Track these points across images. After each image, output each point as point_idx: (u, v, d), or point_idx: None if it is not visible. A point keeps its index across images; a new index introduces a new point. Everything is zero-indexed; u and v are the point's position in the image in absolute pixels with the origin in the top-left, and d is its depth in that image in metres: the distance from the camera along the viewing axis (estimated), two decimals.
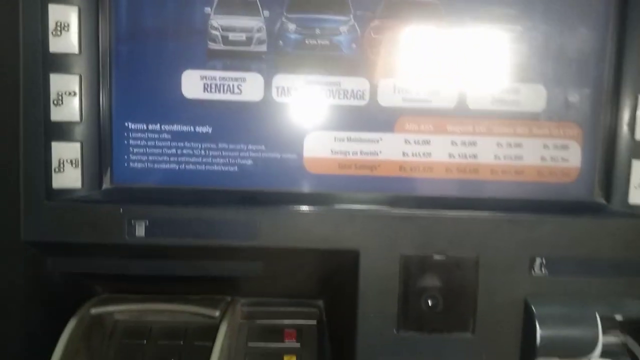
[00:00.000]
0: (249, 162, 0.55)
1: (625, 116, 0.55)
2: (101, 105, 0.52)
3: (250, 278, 0.62)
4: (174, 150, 0.54)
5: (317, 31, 0.53)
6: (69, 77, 0.50)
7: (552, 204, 0.56)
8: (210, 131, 0.54)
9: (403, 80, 0.54)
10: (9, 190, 0.51)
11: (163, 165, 0.54)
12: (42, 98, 0.50)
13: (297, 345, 0.66)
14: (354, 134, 0.55)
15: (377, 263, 0.53)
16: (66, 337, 0.54)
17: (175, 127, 0.54)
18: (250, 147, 0.54)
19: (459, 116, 0.55)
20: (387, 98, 0.54)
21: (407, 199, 0.55)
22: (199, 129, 0.54)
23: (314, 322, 0.69)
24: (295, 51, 0.54)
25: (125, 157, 0.54)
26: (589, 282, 0.54)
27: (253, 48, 0.53)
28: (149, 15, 0.53)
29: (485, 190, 0.56)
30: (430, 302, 0.55)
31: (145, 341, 0.65)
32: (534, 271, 0.54)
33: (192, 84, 0.53)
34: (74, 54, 0.51)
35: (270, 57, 0.54)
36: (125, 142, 0.54)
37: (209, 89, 0.53)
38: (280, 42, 0.53)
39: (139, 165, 0.54)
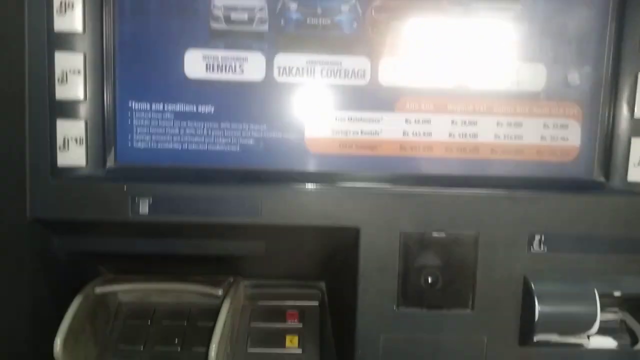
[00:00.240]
0: (251, 141, 0.55)
1: (625, 95, 0.55)
2: (105, 84, 0.53)
3: (252, 258, 0.63)
4: (177, 130, 0.55)
5: (319, 10, 0.54)
6: (73, 56, 0.51)
7: (551, 182, 0.56)
8: (212, 111, 0.55)
9: (404, 59, 0.55)
10: (15, 169, 0.51)
11: (166, 145, 0.55)
12: (47, 76, 0.51)
13: (299, 325, 0.67)
14: (354, 114, 0.55)
15: (378, 240, 0.54)
16: (71, 313, 0.55)
17: (179, 107, 0.55)
18: (252, 126, 0.55)
19: (460, 96, 0.56)
20: (388, 77, 0.55)
21: (407, 177, 0.55)
22: (202, 108, 0.55)
23: (315, 303, 0.70)
24: (296, 30, 0.54)
25: (129, 137, 0.55)
26: (588, 259, 0.55)
27: (255, 27, 0.54)
28: None
29: (485, 169, 0.56)
30: (429, 279, 0.55)
31: (149, 322, 0.66)
32: (533, 248, 0.55)
33: (195, 63, 0.54)
34: (78, 33, 0.51)
35: (272, 37, 0.54)
36: (129, 122, 0.55)
37: (211, 69, 0.54)
38: (282, 21, 0.54)
39: (143, 145, 0.55)
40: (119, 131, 0.54)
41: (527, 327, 0.55)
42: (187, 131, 0.55)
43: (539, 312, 0.53)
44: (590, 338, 0.56)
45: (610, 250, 0.55)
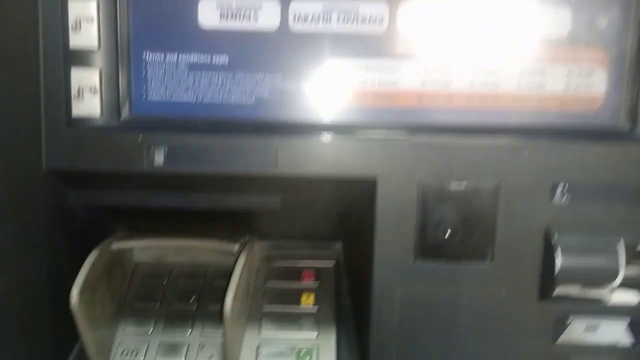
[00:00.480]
0: (266, 93, 0.54)
1: None
2: (119, 33, 0.52)
3: (268, 218, 0.62)
4: (191, 82, 0.54)
5: None
6: (87, 3, 0.50)
7: (575, 131, 0.54)
8: (227, 61, 0.54)
9: (423, 5, 0.53)
10: (31, 119, 0.51)
11: (181, 97, 0.54)
12: (60, 24, 0.50)
13: (315, 285, 0.67)
14: (372, 62, 0.54)
15: (395, 192, 0.53)
16: (88, 267, 0.55)
17: (193, 58, 0.54)
18: (267, 77, 0.54)
19: (480, 42, 0.54)
20: (407, 24, 0.53)
21: (426, 127, 0.54)
22: (216, 59, 0.54)
23: (331, 263, 0.69)
24: None
25: (144, 88, 0.54)
26: (612, 210, 0.53)
27: None
28: None
29: (507, 119, 0.54)
30: (448, 231, 0.54)
31: (165, 281, 0.66)
32: (556, 199, 0.53)
33: (209, 11, 0.53)
34: None
35: None
36: (143, 73, 0.54)
37: (225, 17, 0.53)
38: None
39: (157, 97, 0.54)
40: (134, 82, 0.53)
41: (547, 280, 0.54)
42: (202, 83, 0.54)
43: (561, 263, 0.52)
44: (613, 293, 0.55)
45: (635, 200, 0.53)
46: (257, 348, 0.59)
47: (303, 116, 0.55)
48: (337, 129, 0.54)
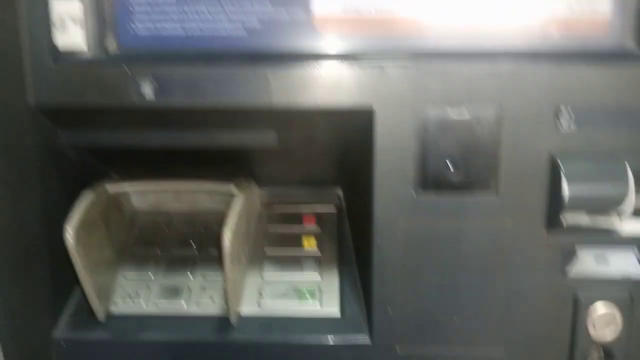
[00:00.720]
0: (257, 23, 0.52)
1: None
2: None
3: (267, 157, 0.61)
4: (179, 15, 0.52)
5: None
6: None
7: (580, 53, 0.52)
8: None
9: None
10: (15, 55, 0.50)
11: (169, 31, 0.53)
12: None
13: (317, 229, 0.65)
14: None
15: (393, 122, 0.51)
16: (82, 206, 0.53)
17: None
18: (256, 6, 0.52)
19: None
20: None
21: (424, 55, 0.52)
22: None
23: (333, 208, 0.68)
24: None
25: (131, 22, 0.52)
26: (619, 135, 0.51)
27: None
28: None
29: (509, 43, 0.52)
30: (450, 161, 0.52)
31: (165, 228, 0.65)
32: (561, 124, 0.51)
33: None
34: None
35: None
36: (130, 7, 0.52)
37: None
38: None
39: (145, 32, 0.52)
40: (120, 15, 0.52)
41: (554, 208, 0.52)
42: (190, 15, 0.52)
43: (567, 191, 0.50)
44: (623, 221, 0.53)
45: None
46: (260, 290, 0.58)
47: (295, 46, 0.53)
48: (331, 58, 0.52)
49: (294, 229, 0.65)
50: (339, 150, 0.60)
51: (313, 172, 0.67)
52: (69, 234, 0.50)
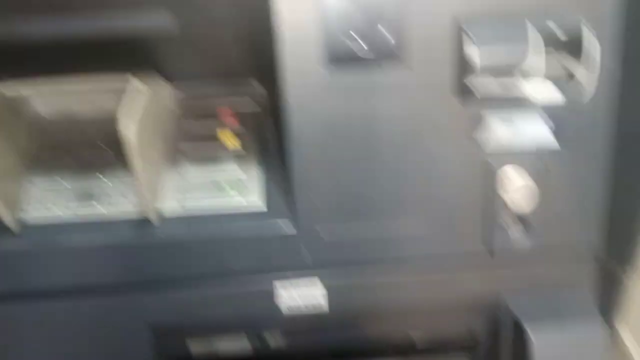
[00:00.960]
0: None
1: None
2: None
3: (171, 46, 0.56)
4: None
5: None
6: None
7: None
8: None
9: None
10: None
11: None
12: None
13: (236, 124, 0.63)
14: None
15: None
16: None
17: None
18: None
19: None
20: None
21: None
22: None
23: (252, 101, 0.65)
24: None
25: None
26: None
27: None
28: None
29: None
30: (355, 33, 0.50)
31: (72, 131, 0.60)
32: None
33: None
34: None
35: None
36: None
37: None
38: None
39: None
40: None
41: (462, 75, 0.52)
42: None
43: (473, 54, 0.49)
44: (532, 87, 0.54)
45: None
46: (180, 188, 0.56)
47: None
48: None
49: (212, 125, 0.62)
50: (248, 36, 0.57)
51: (227, 63, 0.64)
52: None
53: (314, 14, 0.49)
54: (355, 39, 0.49)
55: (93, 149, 0.59)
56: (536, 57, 0.50)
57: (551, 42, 0.51)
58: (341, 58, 0.50)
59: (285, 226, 0.55)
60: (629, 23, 0.52)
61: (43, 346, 0.58)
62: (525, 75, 0.51)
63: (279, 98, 0.54)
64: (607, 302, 0.60)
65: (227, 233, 0.54)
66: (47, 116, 0.60)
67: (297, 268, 0.57)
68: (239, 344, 0.63)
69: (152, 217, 0.52)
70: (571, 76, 0.54)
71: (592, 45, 0.52)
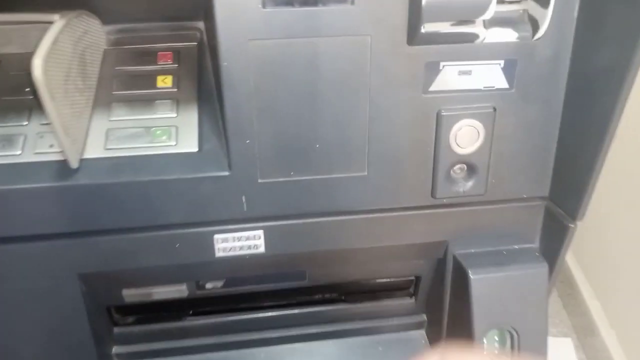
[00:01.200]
0: None
1: None
2: None
3: None
4: None
5: None
6: None
7: None
8: None
9: None
10: None
11: None
12: None
13: (174, 66, 0.59)
14: None
15: None
16: None
17: None
18: None
19: None
20: None
21: None
22: None
23: (193, 44, 0.61)
24: None
25: None
26: None
27: None
28: None
29: None
30: None
31: None
32: None
33: None
34: None
35: None
36: None
37: None
38: None
39: None
40: None
41: (414, 20, 0.48)
42: None
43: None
44: (488, 30, 0.51)
45: None
46: (107, 133, 0.52)
47: None
48: None
49: (148, 67, 0.58)
50: None
51: (166, 3, 0.59)
52: None
53: None
54: None
55: (16, 92, 0.54)
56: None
57: None
58: None
59: (218, 169, 0.52)
60: None
61: None
62: (481, 20, 0.47)
63: (211, 30, 0.50)
64: (553, 247, 0.60)
65: (155, 176, 0.51)
66: None
67: (231, 214, 0.54)
68: (176, 289, 0.61)
69: (72, 159, 0.49)
70: (526, 15, 0.51)
71: None
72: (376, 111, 0.52)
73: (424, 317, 0.73)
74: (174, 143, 0.53)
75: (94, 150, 0.52)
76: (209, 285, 0.61)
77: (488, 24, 0.50)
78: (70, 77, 0.49)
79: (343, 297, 0.71)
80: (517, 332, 0.60)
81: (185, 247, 0.55)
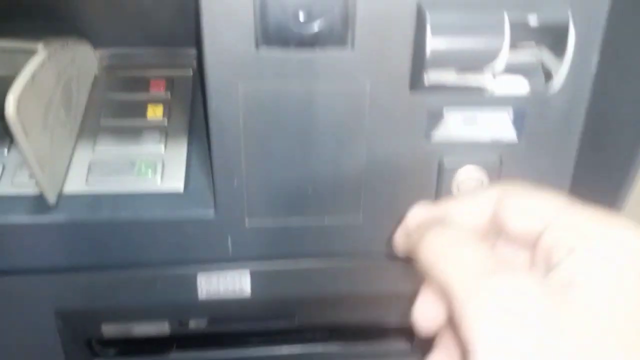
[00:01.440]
0: None
1: None
2: None
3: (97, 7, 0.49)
4: None
5: None
6: None
7: None
8: None
9: None
10: None
11: None
12: None
13: (166, 95, 0.56)
14: None
15: None
16: None
17: None
18: None
19: None
20: None
21: None
22: None
23: (188, 72, 0.58)
24: None
25: None
26: None
27: None
28: None
29: None
30: (299, 13, 0.43)
31: None
32: None
33: None
34: None
35: None
36: None
37: None
38: None
39: None
40: None
41: (418, 65, 0.45)
42: None
43: (432, 44, 0.42)
44: (495, 79, 0.47)
45: None
46: (90, 165, 0.50)
47: None
48: None
49: (139, 96, 0.55)
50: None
51: (161, 28, 0.57)
52: None
53: None
54: (298, 17, 0.42)
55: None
56: (504, 50, 0.43)
57: (520, 30, 0.44)
58: (276, 36, 0.42)
59: (203, 211, 0.49)
60: (612, 15, 0.45)
61: None
62: (490, 69, 0.44)
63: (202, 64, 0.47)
64: None
65: (136, 215, 0.48)
66: None
67: (217, 257, 0.52)
68: (158, 327, 0.59)
69: (49, 195, 0.46)
70: (540, 64, 0.48)
71: (569, 33, 0.45)
72: (373, 158, 0.48)
73: None
74: (159, 179, 0.50)
75: (75, 183, 0.49)
76: (192, 325, 0.59)
77: (497, 74, 0.46)
78: (51, 109, 0.46)
79: (335, 337, 0.68)
80: None
81: (166, 286, 0.53)
